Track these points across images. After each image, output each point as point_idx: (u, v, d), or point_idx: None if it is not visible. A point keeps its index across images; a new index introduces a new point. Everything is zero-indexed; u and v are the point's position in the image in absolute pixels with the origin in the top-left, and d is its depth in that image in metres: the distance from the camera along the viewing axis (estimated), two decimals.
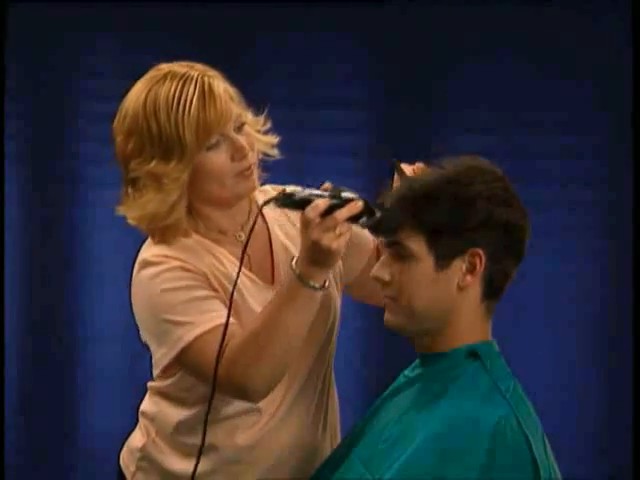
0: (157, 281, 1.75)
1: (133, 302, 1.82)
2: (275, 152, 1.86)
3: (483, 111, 3.19)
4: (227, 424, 1.80)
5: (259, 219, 1.83)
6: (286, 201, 1.67)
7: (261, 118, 1.84)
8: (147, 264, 1.77)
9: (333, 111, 3.22)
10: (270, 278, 1.83)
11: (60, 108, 3.44)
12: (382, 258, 1.71)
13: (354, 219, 1.63)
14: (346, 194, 1.64)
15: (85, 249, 3.44)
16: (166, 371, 1.81)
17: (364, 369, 3.20)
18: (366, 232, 1.83)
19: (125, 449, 1.95)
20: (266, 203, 1.70)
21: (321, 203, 1.61)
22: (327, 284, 1.68)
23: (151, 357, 1.82)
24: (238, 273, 1.70)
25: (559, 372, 3.18)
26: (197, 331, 1.70)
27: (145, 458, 1.88)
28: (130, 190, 1.78)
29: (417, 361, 1.75)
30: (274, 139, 1.85)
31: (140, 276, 1.78)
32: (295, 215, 1.79)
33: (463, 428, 1.56)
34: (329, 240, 1.60)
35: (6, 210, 3.42)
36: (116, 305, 3.40)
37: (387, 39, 3.22)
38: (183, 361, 1.73)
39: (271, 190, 1.90)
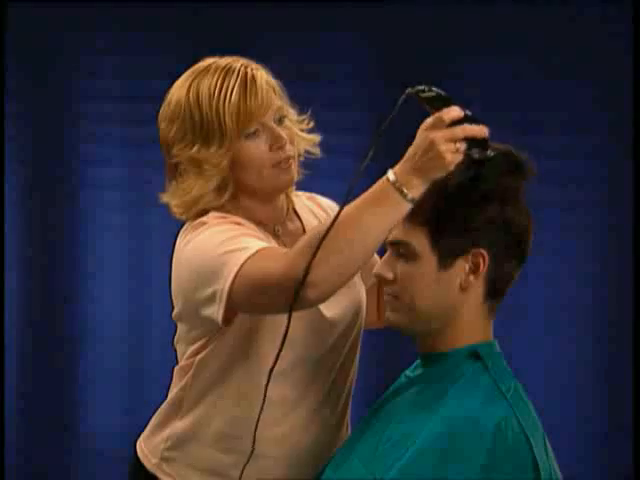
0: (207, 233, 1.71)
1: (179, 260, 1.77)
2: (317, 151, 1.87)
3: (483, 111, 3.18)
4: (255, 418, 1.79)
5: (294, 219, 1.86)
6: (431, 93, 1.62)
7: (305, 117, 1.87)
8: (201, 223, 1.76)
9: (333, 111, 3.22)
10: None
11: (60, 108, 3.44)
12: (385, 256, 1.71)
13: (471, 145, 1.59)
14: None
15: (85, 249, 3.44)
16: (204, 339, 1.79)
17: (364, 369, 3.20)
18: (376, 258, 1.82)
19: (142, 443, 1.93)
20: (413, 88, 1.64)
21: (457, 110, 1.57)
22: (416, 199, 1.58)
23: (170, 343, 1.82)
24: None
25: (559, 372, 3.17)
26: (255, 248, 1.64)
27: (171, 448, 1.87)
28: (171, 178, 1.81)
29: (418, 361, 1.75)
30: (316, 138, 1.87)
31: (190, 235, 1.75)
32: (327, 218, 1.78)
33: (464, 428, 1.56)
34: (447, 148, 1.55)
35: (6, 210, 3.43)
36: (116, 305, 3.41)
37: (387, 39, 3.22)
38: (240, 286, 1.63)
39: (303, 197, 1.92)
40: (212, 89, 1.75)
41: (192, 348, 1.83)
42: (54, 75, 3.44)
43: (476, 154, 1.60)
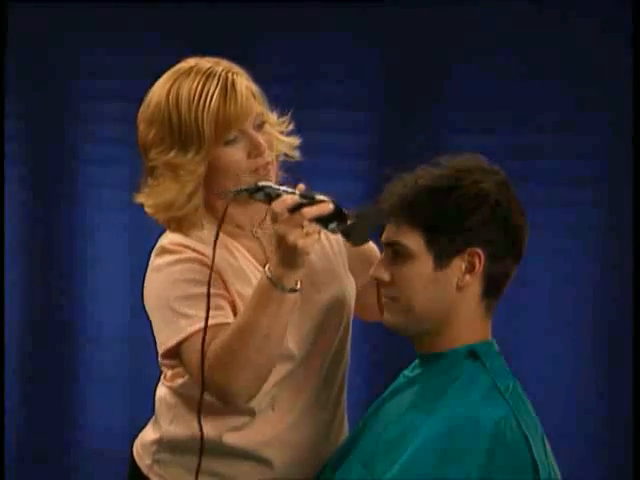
0: (172, 270, 1.76)
1: (145, 286, 1.81)
2: (296, 154, 1.88)
3: (483, 111, 3.18)
4: (239, 419, 1.81)
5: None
6: (256, 192, 1.69)
7: (284, 119, 1.86)
8: (164, 251, 1.79)
9: (333, 111, 3.22)
10: None
11: (60, 108, 3.44)
12: (381, 258, 1.71)
13: (324, 222, 1.63)
14: (319, 197, 1.64)
15: (85, 249, 3.44)
16: (174, 370, 1.84)
17: (365, 369, 3.20)
18: (377, 251, 1.83)
19: (138, 444, 1.95)
20: (237, 192, 1.70)
21: (289, 199, 1.62)
22: (299, 286, 1.67)
23: (156, 356, 1.83)
24: (213, 258, 1.70)
25: (559, 372, 3.17)
26: (197, 326, 1.70)
27: (162, 450, 1.88)
28: (148, 179, 1.81)
29: (417, 361, 1.75)
30: (296, 141, 1.87)
31: (156, 262, 1.79)
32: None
33: (463, 428, 1.56)
34: (295, 237, 1.60)
35: (6, 210, 3.42)
36: (116, 305, 3.41)
37: (387, 39, 3.22)
38: (179, 353, 1.74)
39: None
40: (192, 93, 1.74)
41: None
42: (54, 75, 3.43)
43: (335, 229, 1.65)
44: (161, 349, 1.77)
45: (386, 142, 3.19)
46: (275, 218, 1.62)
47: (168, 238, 1.81)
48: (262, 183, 1.70)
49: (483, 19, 3.15)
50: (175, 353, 1.75)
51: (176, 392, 1.86)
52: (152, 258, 1.81)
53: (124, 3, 3.33)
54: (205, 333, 1.68)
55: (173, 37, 3.27)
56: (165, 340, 1.75)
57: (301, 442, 1.84)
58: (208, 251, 1.74)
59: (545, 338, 3.18)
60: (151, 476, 1.89)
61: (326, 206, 1.63)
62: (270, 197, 1.66)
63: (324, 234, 1.89)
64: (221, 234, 1.75)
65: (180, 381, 1.84)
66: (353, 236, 1.69)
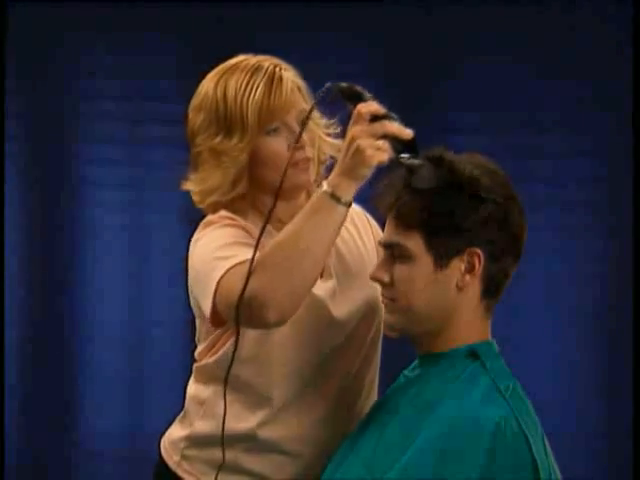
0: (214, 233, 1.76)
1: (190, 256, 1.80)
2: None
3: (483, 111, 3.18)
4: (269, 413, 1.81)
5: None
6: (348, 90, 1.64)
7: (332, 122, 1.88)
8: (209, 223, 1.80)
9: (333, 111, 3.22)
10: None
11: (60, 108, 3.44)
12: (381, 259, 1.71)
13: (398, 148, 1.59)
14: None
15: (85, 249, 3.44)
16: (211, 341, 1.82)
17: None
18: None
19: (166, 441, 1.94)
20: (333, 87, 1.66)
21: (377, 106, 1.60)
22: (351, 203, 1.62)
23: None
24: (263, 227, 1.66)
25: (559, 372, 3.17)
26: (237, 259, 1.68)
27: (191, 446, 1.88)
28: (194, 166, 1.83)
29: (417, 361, 1.75)
30: (340, 144, 1.86)
31: (200, 233, 1.80)
32: (348, 219, 1.80)
33: (463, 428, 1.56)
34: (367, 144, 1.57)
35: (6, 210, 3.42)
36: (116, 305, 3.41)
37: (387, 39, 3.22)
38: (219, 297, 1.68)
39: None
40: (239, 85, 1.78)
41: (204, 345, 1.86)
42: (54, 75, 3.43)
43: (403, 159, 1.61)
44: (207, 304, 1.70)
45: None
46: (356, 119, 1.59)
47: (210, 215, 1.82)
48: (357, 86, 1.66)
49: (483, 19, 3.16)
50: (217, 306, 1.70)
51: (208, 376, 1.85)
52: (194, 235, 1.82)
53: (124, 3, 3.33)
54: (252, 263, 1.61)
55: (173, 37, 3.27)
56: (209, 290, 1.69)
57: (332, 437, 1.82)
58: (251, 229, 1.76)
59: (545, 338, 3.19)
60: (179, 472, 1.89)
61: (407, 131, 1.60)
62: (360, 100, 1.62)
63: (358, 235, 1.90)
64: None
65: (213, 358, 1.83)
66: (418, 176, 1.63)
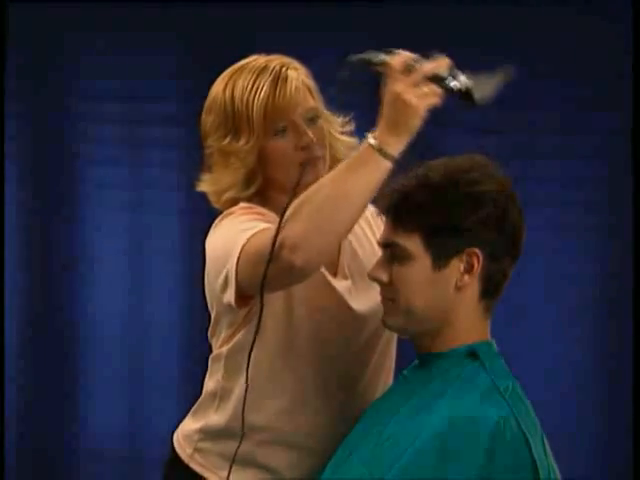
0: (235, 219, 1.76)
1: (207, 243, 1.80)
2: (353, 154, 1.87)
3: (483, 111, 3.18)
4: (283, 409, 1.81)
5: None
6: (368, 56, 1.64)
7: (347, 120, 1.88)
8: (228, 213, 1.80)
9: (333, 111, 3.22)
10: (334, 271, 1.84)
11: (60, 108, 3.44)
12: (379, 259, 1.71)
13: (441, 81, 1.57)
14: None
15: (85, 249, 3.44)
16: (232, 330, 1.80)
17: None
18: None
19: (179, 434, 1.94)
20: (348, 63, 1.67)
21: (405, 54, 1.59)
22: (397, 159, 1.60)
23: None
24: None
25: (559, 372, 3.17)
26: (261, 226, 1.67)
27: (205, 439, 1.88)
28: (208, 167, 1.84)
29: (416, 361, 1.75)
30: (354, 142, 1.86)
31: (220, 222, 1.80)
32: (363, 217, 1.79)
33: (463, 428, 1.56)
34: (411, 94, 1.55)
35: (6, 210, 3.43)
36: (116, 305, 3.41)
37: (387, 39, 3.22)
38: (243, 263, 1.65)
39: None
40: (246, 84, 1.78)
41: (222, 337, 1.84)
42: (54, 75, 3.44)
43: (451, 84, 1.58)
44: (231, 275, 1.66)
45: None
46: (391, 75, 1.58)
47: (230, 208, 1.81)
48: (373, 51, 1.65)
49: (483, 19, 3.16)
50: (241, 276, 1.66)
51: (226, 367, 1.83)
52: (211, 230, 1.81)
53: (124, 3, 3.33)
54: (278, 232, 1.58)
55: (173, 37, 3.27)
56: (231, 264, 1.66)
57: (342, 435, 1.80)
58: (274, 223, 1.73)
59: (545, 338, 3.18)
60: (192, 465, 1.89)
61: (444, 62, 1.59)
62: (384, 58, 1.61)
63: (371, 232, 1.89)
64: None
65: (232, 343, 1.81)
66: (476, 92, 1.60)
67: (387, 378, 1.90)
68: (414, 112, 1.56)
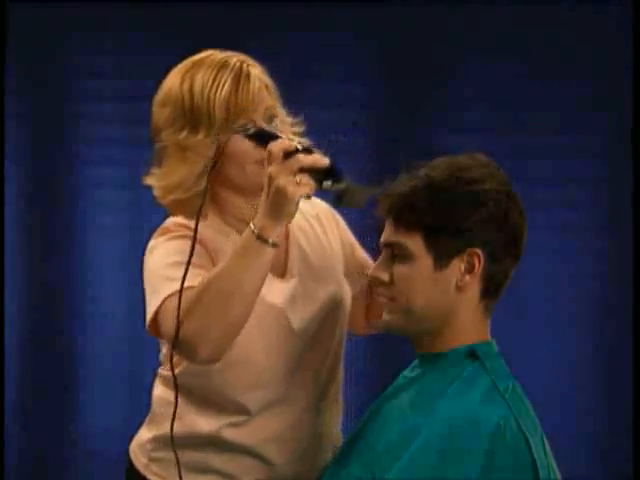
0: (167, 245, 1.78)
1: (145, 261, 1.82)
2: None
3: (483, 111, 3.18)
4: (237, 417, 1.81)
5: None
6: (255, 133, 1.69)
7: (298, 120, 1.87)
8: (164, 231, 1.81)
9: (333, 111, 3.22)
10: (282, 272, 1.84)
11: (60, 108, 3.44)
12: (380, 258, 1.71)
13: (319, 178, 1.61)
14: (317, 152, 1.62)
15: (85, 249, 3.44)
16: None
17: (364, 369, 3.20)
18: (370, 260, 1.84)
19: (134, 444, 1.95)
20: (236, 132, 1.71)
21: (287, 142, 1.62)
22: (278, 244, 1.64)
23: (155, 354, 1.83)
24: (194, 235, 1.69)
25: (559, 372, 3.17)
26: (176, 286, 1.69)
27: (159, 448, 1.88)
28: (158, 162, 1.82)
29: (416, 361, 1.75)
30: (307, 142, 1.86)
31: (153, 242, 1.81)
32: (312, 215, 1.81)
33: (463, 428, 1.56)
34: (286, 181, 1.58)
35: (6, 210, 3.42)
36: (116, 305, 3.41)
37: (387, 39, 3.22)
38: (161, 318, 1.71)
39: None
40: (206, 79, 1.76)
41: (164, 353, 1.87)
42: (54, 75, 3.43)
43: (329, 187, 1.61)
44: (147, 318, 1.74)
45: (386, 142, 3.19)
46: (270, 159, 1.60)
47: (169, 220, 1.83)
48: (265, 126, 1.71)
49: (483, 19, 3.15)
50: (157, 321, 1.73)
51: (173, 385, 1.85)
52: (151, 239, 1.83)
53: (124, 3, 3.33)
54: (181, 291, 1.65)
55: (173, 37, 3.27)
56: (153, 305, 1.72)
57: (302, 440, 1.84)
58: (206, 233, 1.76)
59: (545, 338, 3.18)
60: (148, 475, 1.89)
61: (322, 160, 1.61)
62: (269, 139, 1.64)
63: (323, 233, 1.90)
64: (224, 225, 1.79)
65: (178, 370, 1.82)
66: (346, 199, 1.65)
67: (337, 392, 1.91)
68: (287, 198, 1.59)
